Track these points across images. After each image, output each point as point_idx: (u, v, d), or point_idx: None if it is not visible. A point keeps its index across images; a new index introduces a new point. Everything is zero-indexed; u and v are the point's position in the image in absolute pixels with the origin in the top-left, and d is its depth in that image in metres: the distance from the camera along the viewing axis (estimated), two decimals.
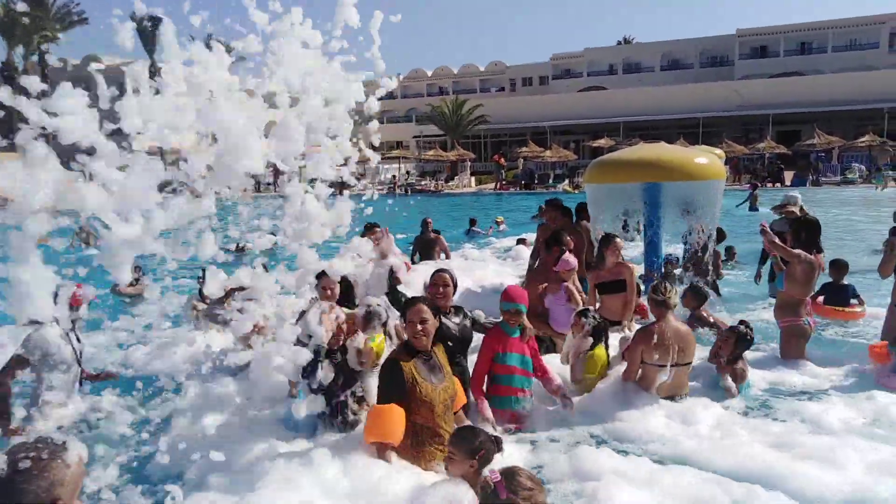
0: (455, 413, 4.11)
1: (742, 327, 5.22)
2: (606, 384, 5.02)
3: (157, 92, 3.32)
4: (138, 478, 3.90)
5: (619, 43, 69.66)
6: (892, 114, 41.18)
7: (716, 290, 8.63)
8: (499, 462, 3.31)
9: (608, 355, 5.28)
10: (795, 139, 39.28)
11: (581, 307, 5.82)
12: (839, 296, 7.67)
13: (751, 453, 4.00)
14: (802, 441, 4.17)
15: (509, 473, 2.99)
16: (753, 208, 20.16)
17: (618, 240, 7.09)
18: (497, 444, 3.31)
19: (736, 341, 5.16)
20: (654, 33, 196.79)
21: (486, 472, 3.11)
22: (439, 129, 49.00)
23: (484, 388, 4.66)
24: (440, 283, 4.76)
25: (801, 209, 8.26)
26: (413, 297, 4.17)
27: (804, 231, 5.97)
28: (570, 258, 6.27)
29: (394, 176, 39.95)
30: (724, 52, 58.31)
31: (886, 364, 5.30)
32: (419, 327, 3.82)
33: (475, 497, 3.02)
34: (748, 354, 5.44)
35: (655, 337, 4.79)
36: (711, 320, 6.87)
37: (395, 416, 3.65)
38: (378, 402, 3.78)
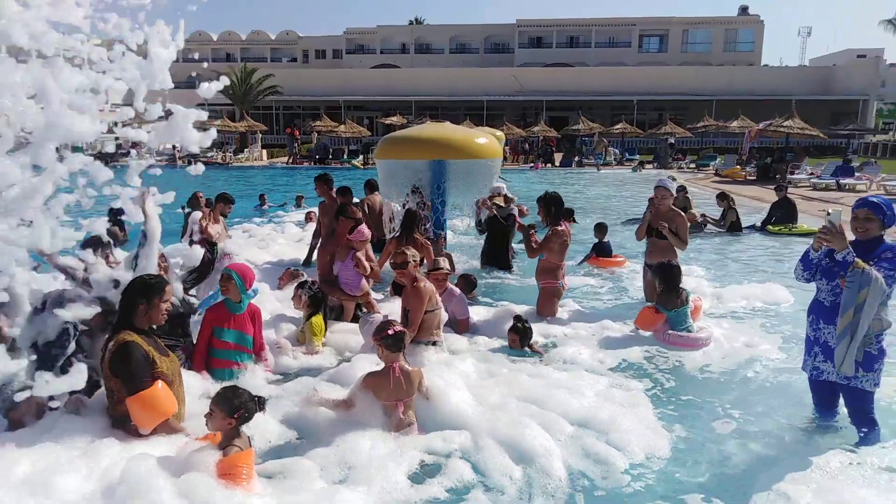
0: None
1: (519, 325, 5.77)
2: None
3: None
4: None
5: (411, 23, 71.18)
6: (640, 105, 47.73)
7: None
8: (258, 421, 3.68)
9: (326, 322, 5.80)
10: (565, 124, 43.70)
11: (367, 272, 6.27)
12: (605, 250, 9.87)
13: (514, 382, 4.83)
14: (551, 374, 5.11)
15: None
16: None
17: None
18: (259, 404, 3.56)
19: (520, 339, 5.73)
20: (443, 16, 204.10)
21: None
22: (226, 98, 46.22)
23: None
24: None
25: (506, 197, 9.41)
26: (161, 277, 4.16)
27: (553, 206, 6.89)
28: (365, 229, 6.63)
29: (174, 146, 36.98)
30: (505, 40, 62.54)
31: (658, 323, 6.09)
32: (165, 307, 3.89)
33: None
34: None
35: (432, 288, 5.57)
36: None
37: (165, 392, 3.66)
38: (133, 388, 3.57)
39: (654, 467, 3.85)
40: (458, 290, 6.49)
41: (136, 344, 3.65)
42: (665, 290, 6.24)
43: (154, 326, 3.93)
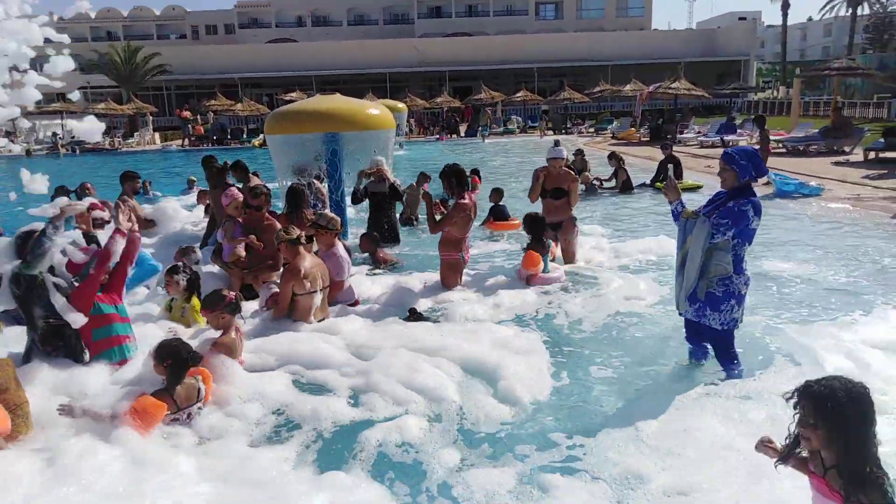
0: None
1: (412, 319, 5.80)
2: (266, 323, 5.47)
3: None
4: None
5: None
6: (540, 73, 48.59)
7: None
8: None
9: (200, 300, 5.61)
10: (468, 94, 43.85)
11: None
12: (501, 213, 10.16)
13: (416, 336, 5.09)
14: (453, 329, 5.42)
15: None
16: None
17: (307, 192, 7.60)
18: (193, 358, 3.91)
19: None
20: None
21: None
22: (111, 80, 43.38)
23: None
24: None
25: (380, 170, 9.09)
26: None
27: (454, 178, 6.82)
28: (233, 191, 6.61)
29: (54, 133, 34.43)
30: (404, 11, 61.68)
31: (540, 264, 6.75)
32: None
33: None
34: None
35: (302, 270, 5.36)
36: (387, 258, 7.98)
37: None
38: None
39: (531, 410, 4.14)
40: (341, 251, 6.24)
41: None
42: (534, 238, 6.91)
43: None
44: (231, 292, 4.70)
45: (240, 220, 6.77)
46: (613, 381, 4.57)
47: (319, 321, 5.52)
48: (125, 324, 4.64)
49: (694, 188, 12.82)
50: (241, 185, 8.36)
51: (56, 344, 4.27)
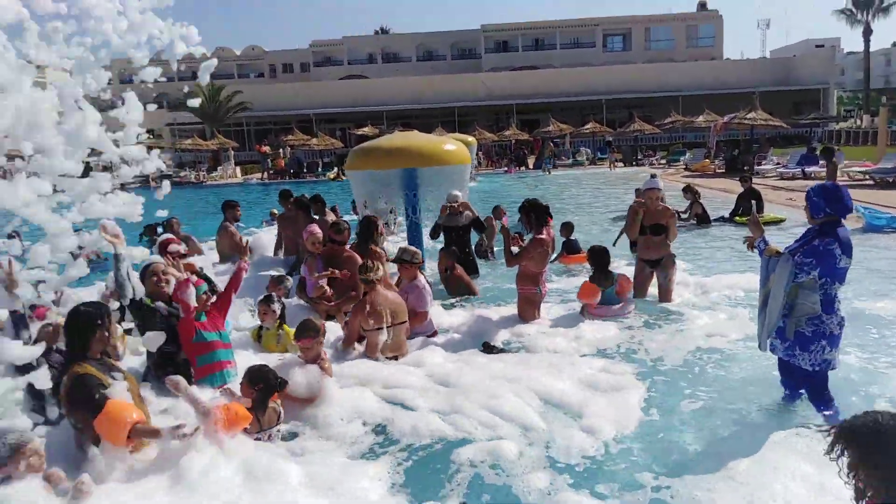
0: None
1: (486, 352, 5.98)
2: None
3: None
4: None
5: (377, 33, 71.32)
6: (608, 105, 48.35)
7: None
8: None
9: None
10: (536, 127, 44.05)
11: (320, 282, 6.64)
12: (573, 247, 10.27)
13: (499, 367, 5.28)
14: (536, 360, 5.53)
15: None
16: None
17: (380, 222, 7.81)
18: (280, 384, 4.19)
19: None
20: (408, 24, 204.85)
21: None
22: (196, 117, 45.92)
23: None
24: (159, 272, 4.87)
25: (464, 204, 9.24)
26: (97, 304, 3.92)
27: (533, 213, 6.89)
28: (313, 228, 6.92)
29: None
30: (471, 46, 62.92)
31: (597, 295, 6.75)
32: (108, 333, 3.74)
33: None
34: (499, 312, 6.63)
35: (368, 307, 5.48)
36: (463, 276, 8.24)
37: (123, 406, 3.50)
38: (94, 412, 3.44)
39: (617, 445, 4.12)
40: (423, 283, 6.36)
41: (90, 376, 3.53)
42: (597, 270, 6.96)
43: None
44: (322, 320, 4.97)
45: (318, 253, 7.01)
46: (701, 417, 4.50)
47: (391, 358, 5.53)
48: (227, 350, 4.90)
49: (776, 221, 12.43)
50: (317, 218, 8.72)
51: (167, 370, 4.56)
